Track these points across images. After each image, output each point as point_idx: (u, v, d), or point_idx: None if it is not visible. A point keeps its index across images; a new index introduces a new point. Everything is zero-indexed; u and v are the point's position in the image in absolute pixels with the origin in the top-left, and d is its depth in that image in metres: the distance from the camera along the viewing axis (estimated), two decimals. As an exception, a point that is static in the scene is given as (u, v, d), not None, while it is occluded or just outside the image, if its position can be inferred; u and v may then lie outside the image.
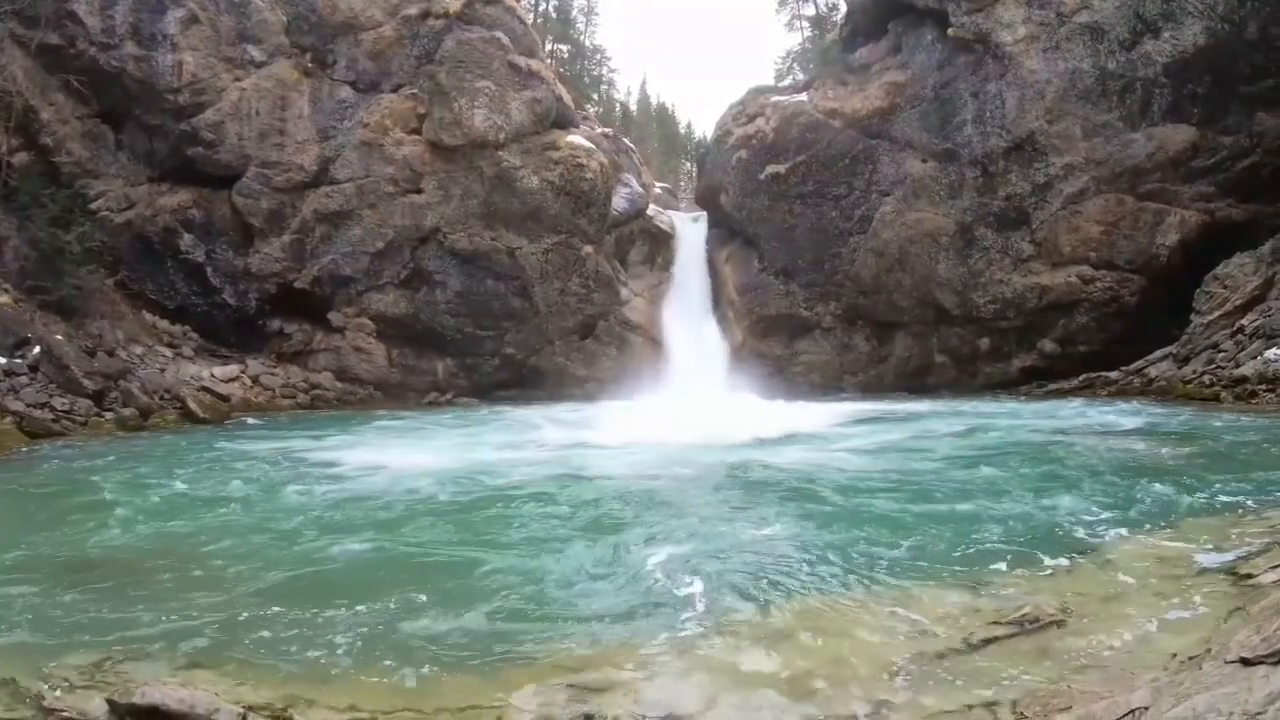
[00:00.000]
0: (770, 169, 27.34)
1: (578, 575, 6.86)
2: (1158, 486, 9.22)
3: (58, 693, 4.66)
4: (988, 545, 7.22)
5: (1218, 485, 9.11)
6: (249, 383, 24.91)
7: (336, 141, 26.49)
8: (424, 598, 6.27)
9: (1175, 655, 4.39)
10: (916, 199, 25.72)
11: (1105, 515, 8.09)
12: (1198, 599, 5.44)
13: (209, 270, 26.54)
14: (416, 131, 26.66)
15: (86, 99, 25.13)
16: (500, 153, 26.59)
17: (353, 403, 26.22)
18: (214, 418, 20.98)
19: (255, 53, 26.09)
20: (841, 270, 26.75)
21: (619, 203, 28.53)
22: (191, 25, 25.39)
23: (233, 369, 24.98)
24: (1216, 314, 20.41)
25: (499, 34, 27.16)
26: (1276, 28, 21.29)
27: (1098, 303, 23.95)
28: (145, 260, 26.34)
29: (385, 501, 10.11)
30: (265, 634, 5.61)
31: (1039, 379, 24.81)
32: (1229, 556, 6.27)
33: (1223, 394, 17.90)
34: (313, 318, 27.25)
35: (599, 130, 31.54)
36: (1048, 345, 24.87)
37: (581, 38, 50.26)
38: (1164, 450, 12.18)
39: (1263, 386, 17.13)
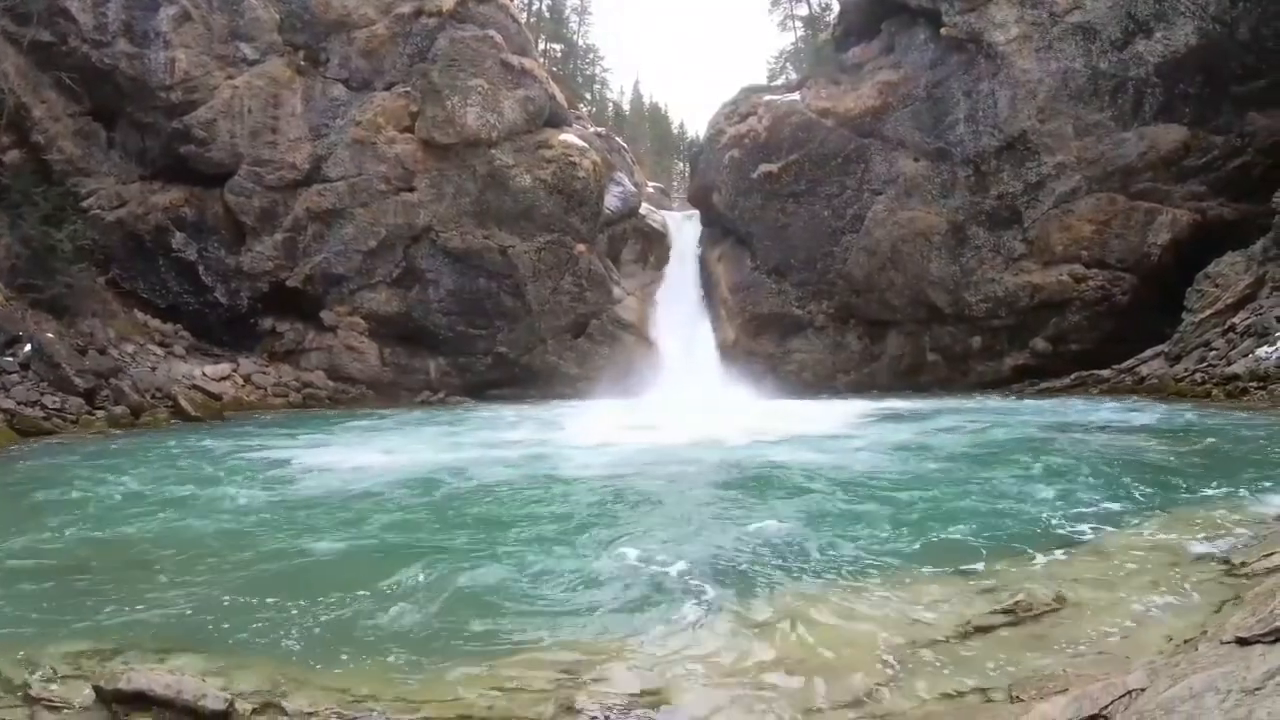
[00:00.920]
0: (763, 168, 27.33)
1: (564, 569, 6.82)
2: (1151, 480, 9.25)
3: (45, 682, 4.62)
4: (982, 537, 7.21)
5: (1210, 479, 9.12)
6: (241, 381, 24.82)
7: (329, 140, 26.42)
8: (406, 589, 6.27)
9: (1170, 639, 4.38)
10: (909, 198, 25.73)
11: (1099, 508, 8.10)
12: (1191, 586, 5.44)
13: (201, 269, 26.44)
14: (409, 130, 26.60)
15: (78, 96, 25.05)
16: (493, 151, 26.55)
17: (345, 402, 26.12)
18: (206, 416, 20.89)
19: (248, 50, 26.03)
20: (834, 269, 26.75)
21: (612, 201, 28.50)
22: (184, 23, 25.32)
23: (224, 368, 24.89)
24: (1208, 312, 20.43)
25: (492, 32, 27.12)
26: (1267, 28, 21.37)
27: (1089, 301, 23.98)
28: (137, 258, 26.26)
29: (361, 498, 10.10)
30: (250, 624, 5.59)
31: (1031, 377, 24.81)
32: (1222, 546, 6.28)
33: (1214, 391, 17.92)
34: (305, 316, 27.15)
35: (592, 129, 31.50)
36: (1040, 344, 24.89)
37: (574, 37, 50.19)
38: (1157, 446, 12.19)
39: (1254, 384, 17.15)
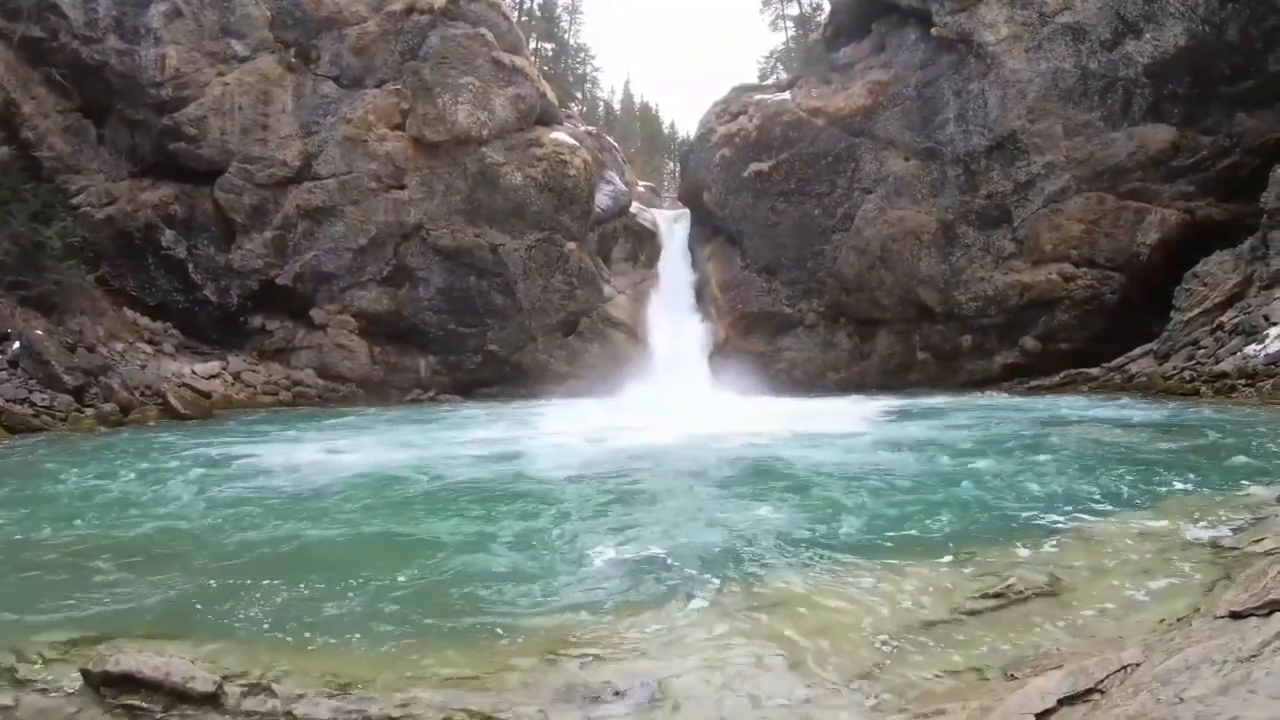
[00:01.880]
0: (753, 167, 27.34)
1: (552, 558, 6.82)
2: (1141, 472, 9.29)
3: (32, 666, 4.58)
4: (974, 526, 7.23)
5: (1201, 471, 9.18)
6: (230, 380, 24.69)
7: (319, 137, 26.32)
8: (396, 576, 6.26)
9: (1163, 621, 4.38)
10: (899, 197, 25.78)
11: (1090, 498, 8.13)
12: (1184, 569, 5.45)
13: (190, 266, 26.29)
14: (400, 127, 26.52)
15: (68, 93, 24.93)
16: (484, 149, 26.50)
17: (335, 400, 26.00)
18: (195, 414, 20.80)
19: (239, 47, 25.92)
20: (824, 268, 26.77)
21: (602, 200, 28.48)
22: (175, 19, 25.21)
23: (214, 366, 24.74)
24: (1196, 311, 20.52)
25: (483, 30, 27.07)
26: (1256, 29, 21.47)
27: (1079, 300, 24.04)
28: (126, 256, 26.10)
29: (343, 491, 10.09)
30: (238, 610, 5.58)
31: (1021, 376, 24.85)
32: (1213, 533, 6.29)
33: (1203, 389, 17.98)
34: (295, 315, 27.01)
35: (583, 128, 31.49)
36: (1029, 342, 24.95)
37: (566, 36, 50.23)
38: (1147, 440, 12.23)
39: (1242, 381, 17.22)
